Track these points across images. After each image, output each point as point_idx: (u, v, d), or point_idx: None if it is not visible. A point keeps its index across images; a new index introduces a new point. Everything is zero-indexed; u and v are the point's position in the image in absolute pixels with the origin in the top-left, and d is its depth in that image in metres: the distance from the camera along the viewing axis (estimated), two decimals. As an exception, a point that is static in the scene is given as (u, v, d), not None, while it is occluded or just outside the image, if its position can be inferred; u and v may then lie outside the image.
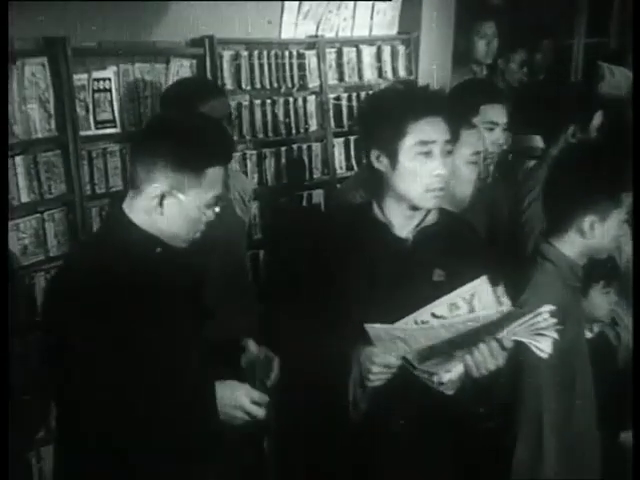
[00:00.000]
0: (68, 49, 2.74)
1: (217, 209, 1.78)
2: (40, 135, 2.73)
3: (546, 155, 3.11)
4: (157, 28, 3.15)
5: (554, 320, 1.69)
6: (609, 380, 2.29)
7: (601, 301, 2.47)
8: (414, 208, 1.92)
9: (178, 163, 1.71)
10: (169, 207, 1.73)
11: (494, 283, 1.71)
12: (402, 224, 1.95)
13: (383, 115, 1.92)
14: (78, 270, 1.75)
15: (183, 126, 1.80)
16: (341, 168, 4.06)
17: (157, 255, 1.78)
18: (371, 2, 4.14)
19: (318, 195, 3.93)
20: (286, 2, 3.70)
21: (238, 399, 1.75)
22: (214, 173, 1.75)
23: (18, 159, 2.65)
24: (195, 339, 1.84)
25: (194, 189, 1.73)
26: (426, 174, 1.86)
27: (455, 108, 2.92)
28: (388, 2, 4.22)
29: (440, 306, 1.71)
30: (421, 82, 4.43)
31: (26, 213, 2.70)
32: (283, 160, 3.76)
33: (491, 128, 2.78)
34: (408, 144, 1.86)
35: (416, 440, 1.90)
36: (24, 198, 2.68)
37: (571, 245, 2.12)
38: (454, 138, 1.92)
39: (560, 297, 2.08)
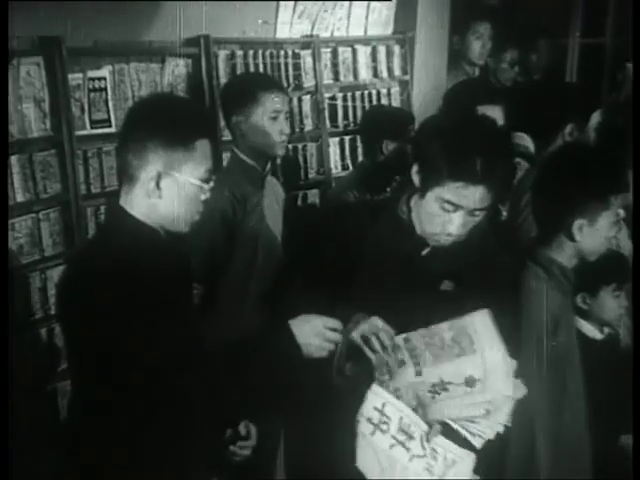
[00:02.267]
0: (63, 48, 2.74)
1: (211, 184, 1.81)
2: (35, 134, 2.74)
3: (541, 157, 3.11)
4: (152, 27, 3.15)
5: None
6: (618, 382, 2.28)
7: (611, 304, 2.43)
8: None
9: (168, 140, 1.74)
10: (167, 188, 1.76)
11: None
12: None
13: (434, 153, 1.81)
14: (88, 271, 1.75)
15: (163, 105, 1.86)
16: (336, 168, 4.07)
17: (163, 244, 1.81)
18: (366, 2, 4.15)
19: (313, 195, 3.93)
20: (281, 2, 3.70)
21: (315, 328, 1.74)
22: (203, 146, 1.78)
23: (13, 158, 2.65)
24: None
25: (187, 164, 1.76)
26: (440, 224, 1.82)
27: (450, 108, 2.95)
28: (383, 2, 4.23)
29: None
30: (416, 81, 4.46)
31: (21, 213, 2.70)
32: (278, 160, 3.76)
33: None
34: (437, 194, 1.79)
35: None
36: (19, 198, 2.69)
37: (561, 249, 2.11)
38: (491, 203, 1.83)
39: (552, 302, 2.09)
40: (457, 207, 1.79)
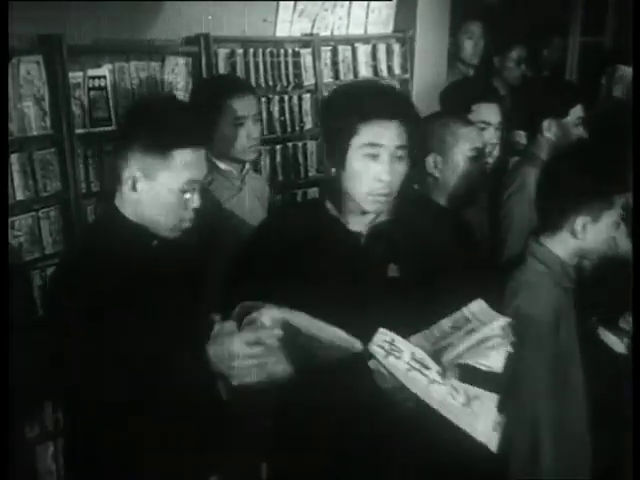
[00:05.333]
0: (63, 47, 2.74)
1: (195, 195, 1.79)
2: (35, 133, 2.74)
3: (527, 151, 3.11)
4: (152, 26, 3.15)
5: (501, 334, 1.68)
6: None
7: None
8: (363, 210, 1.89)
9: (145, 145, 1.75)
10: (144, 192, 1.77)
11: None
12: (355, 220, 1.92)
13: (339, 111, 1.88)
14: (79, 266, 1.77)
15: (150, 110, 1.83)
16: (336, 166, 4.07)
17: (154, 248, 1.82)
18: (366, 1, 4.15)
19: (313, 193, 3.93)
20: (281, 1, 3.70)
21: (232, 350, 1.66)
22: (184, 156, 1.76)
23: (13, 157, 2.65)
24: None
25: (163, 172, 1.75)
26: (370, 177, 1.83)
27: (446, 106, 2.94)
28: (383, 1, 4.23)
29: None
30: (416, 80, 4.46)
31: (21, 211, 2.70)
32: (278, 158, 3.77)
33: (483, 128, 2.78)
34: (356, 144, 1.83)
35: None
36: (19, 196, 2.69)
37: (563, 245, 2.12)
38: (411, 145, 1.86)
39: (553, 299, 2.09)
40: (378, 147, 1.82)
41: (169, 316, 1.76)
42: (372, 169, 1.83)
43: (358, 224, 1.93)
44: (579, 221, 2.07)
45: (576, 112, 2.97)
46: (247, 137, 2.71)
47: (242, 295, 1.79)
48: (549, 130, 2.97)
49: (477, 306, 1.75)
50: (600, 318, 2.39)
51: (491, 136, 2.85)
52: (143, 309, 1.70)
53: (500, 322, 1.70)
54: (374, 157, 1.83)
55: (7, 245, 2.34)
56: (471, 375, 1.70)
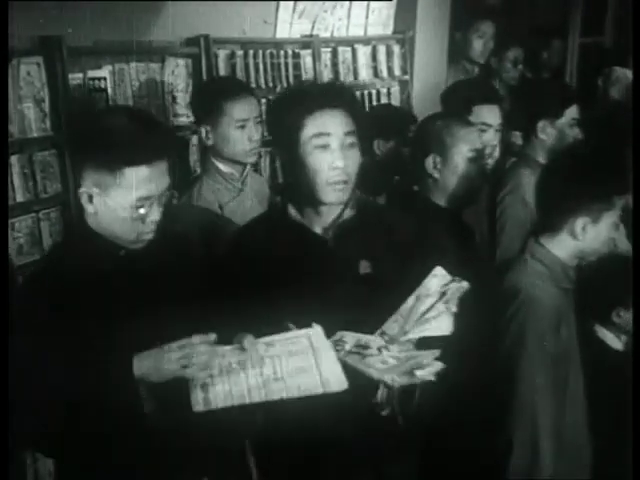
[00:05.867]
0: (63, 48, 2.73)
1: (153, 208, 1.76)
2: (35, 134, 2.73)
3: (523, 152, 3.11)
4: (152, 27, 3.15)
5: (438, 297, 1.68)
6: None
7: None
8: (323, 203, 1.89)
9: (96, 163, 1.73)
10: (99, 206, 1.75)
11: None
12: (319, 221, 1.92)
13: (283, 110, 1.92)
14: (46, 276, 1.78)
15: (105, 126, 1.79)
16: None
17: (122, 257, 1.80)
18: (366, 2, 4.15)
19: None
20: (281, 2, 3.70)
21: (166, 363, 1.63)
22: (136, 173, 1.72)
23: (13, 158, 2.64)
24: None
25: (114, 189, 1.73)
26: (324, 167, 1.84)
27: (447, 107, 2.94)
28: (383, 2, 4.23)
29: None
30: (416, 81, 4.47)
31: (21, 212, 2.70)
32: (278, 160, 3.76)
33: (484, 129, 2.79)
34: (305, 137, 1.85)
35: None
36: (19, 197, 2.68)
37: (563, 246, 2.12)
38: (360, 130, 1.89)
39: (553, 300, 2.09)
40: (326, 135, 1.83)
41: (125, 328, 1.71)
42: (324, 159, 1.84)
43: (322, 225, 1.92)
44: (579, 222, 2.07)
45: (571, 113, 2.97)
46: (248, 139, 2.71)
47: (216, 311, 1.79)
48: (543, 131, 2.97)
49: (435, 274, 1.75)
50: (596, 315, 2.40)
51: (491, 138, 2.85)
52: (100, 320, 1.69)
53: (433, 282, 1.70)
54: (324, 147, 1.84)
55: (7, 246, 2.34)
56: (423, 344, 1.73)
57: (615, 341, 2.41)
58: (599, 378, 2.19)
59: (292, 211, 1.94)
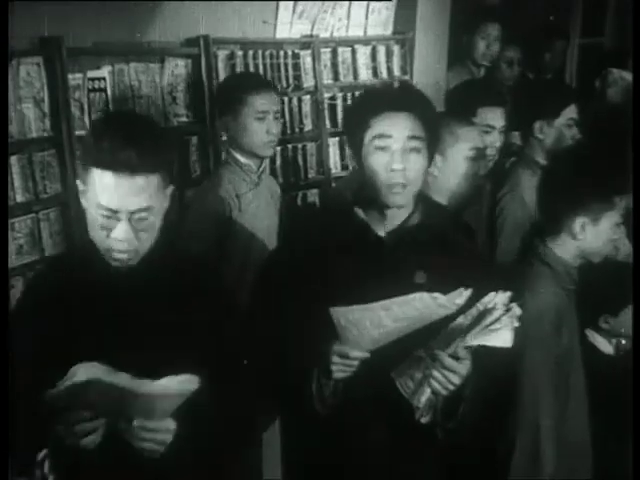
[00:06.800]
0: (63, 49, 2.74)
1: (120, 225, 1.62)
2: (35, 135, 2.73)
3: (522, 152, 3.11)
4: (152, 28, 3.16)
5: (503, 311, 1.67)
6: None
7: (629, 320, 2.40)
8: (387, 206, 1.87)
9: (81, 158, 1.76)
10: (84, 204, 1.69)
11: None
12: (384, 224, 1.90)
13: (354, 111, 1.95)
14: (41, 282, 1.80)
15: (101, 123, 1.78)
16: (336, 168, 4.07)
17: (114, 268, 1.71)
18: (366, 2, 4.15)
19: (313, 195, 3.93)
20: (281, 2, 3.70)
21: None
22: (99, 178, 1.60)
23: (13, 159, 2.65)
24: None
25: (89, 188, 1.64)
26: (382, 169, 1.83)
27: (452, 108, 2.94)
28: (383, 2, 4.23)
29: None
30: (416, 81, 4.46)
31: (21, 213, 2.70)
32: (278, 160, 3.76)
33: (487, 131, 2.80)
34: (368, 138, 1.84)
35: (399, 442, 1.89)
36: (19, 198, 2.69)
37: (565, 247, 2.12)
38: (430, 136, 1.86)
39: (556, 300, 2.09)
40: (387, 138, 1.82)
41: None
42: (383, 160, 1.83)
43: (385, 228, 1.91)
44: (579, 222, 2.07)
45: (568, 113, 2.97)
46: (267, 132, 2.77)
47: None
48: (540, 131, 2.97)
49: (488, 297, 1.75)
50: (587, 320, 2.39)
51: (495, 139, 2.85)
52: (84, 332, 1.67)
53: (499, 296, 1.70)
54: (384, 149, 1.83)
55: (7, 246, 2.34)
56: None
57: (606, 345, 2.40)
58: (599, 378, 2.19)
59: (359, 211, 1.93)
